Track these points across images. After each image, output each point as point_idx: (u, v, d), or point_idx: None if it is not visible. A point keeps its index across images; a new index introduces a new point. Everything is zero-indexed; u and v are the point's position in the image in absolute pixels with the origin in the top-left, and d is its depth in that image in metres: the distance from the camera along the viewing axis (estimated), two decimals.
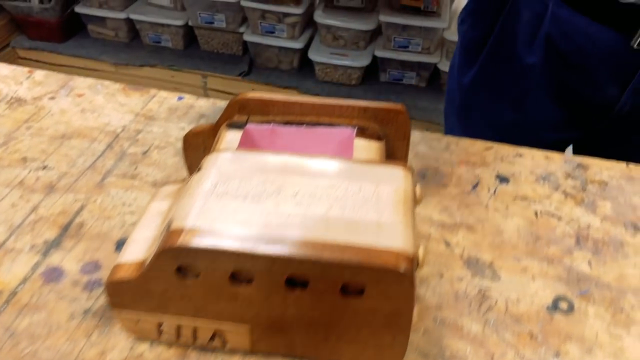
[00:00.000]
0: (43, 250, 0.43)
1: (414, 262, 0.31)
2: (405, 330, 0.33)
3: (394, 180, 0.35)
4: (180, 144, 0.52)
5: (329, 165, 0.36)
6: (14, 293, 0.40)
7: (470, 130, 0.76)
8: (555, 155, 0.53)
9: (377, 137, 0.42)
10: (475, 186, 0.50)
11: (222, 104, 0.59)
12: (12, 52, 1.68)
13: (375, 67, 1.57)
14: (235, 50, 1.62)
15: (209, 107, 0.58)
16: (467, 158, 0.53)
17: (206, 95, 1.64)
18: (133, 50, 1.64)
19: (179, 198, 0.35)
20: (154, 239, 0.34)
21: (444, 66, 1.47)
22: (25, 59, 1.69)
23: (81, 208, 0.46)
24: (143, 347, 0.37)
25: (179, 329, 0.36)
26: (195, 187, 0.34)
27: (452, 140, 0.55)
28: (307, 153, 0.44)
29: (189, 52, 1.62)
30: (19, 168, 0.50)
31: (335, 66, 1.53)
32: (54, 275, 0.41)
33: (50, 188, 0.48)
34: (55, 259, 0.42)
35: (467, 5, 0.72)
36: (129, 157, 0.52)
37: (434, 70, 1.54)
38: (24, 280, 0.41)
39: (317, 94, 1.55)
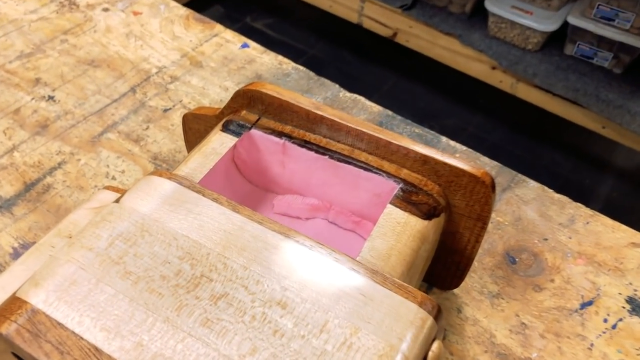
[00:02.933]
0: None
1: None
2: None
3: (390, 328, 0.20)
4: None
5: (303, 258, 0.21)
6: None
7: None
8: None
9: (429, 212, 0.25)
10: (586, 304, 0.32)
11: (287, 67, 0.45)
12: None
13: (562, 35, 1.28)
14: None
15: (272, 67, 0.45)
16: (594, 251, 0.34)
17: (360, 22, 1.48)
18: None
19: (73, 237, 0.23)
20: None
21: None
22: None
23: (58, 165, 0.37)
24: None
25: None
26: (89, 234, 0.22)
27: (582, 214, 0.36)
28: (327, 193, 0.29)
29: None
30: (24, 92, 0.42)
31: (513, 23, 1.27)
32: None
33: (42, 128, 0.39)
34: None
35: None
36: (146, 111, 0.41)
37: (639, 57, 1.22)
38: None
39: (481, 51, 1.31)
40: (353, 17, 1.47)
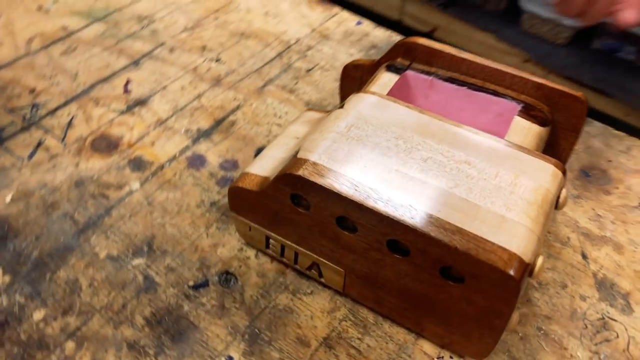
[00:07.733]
0: (194, 137, 0.47)
1: (526, 270, 0.28)
2: (497, 331, 0.31)
3: (538, 177, 0.31)
4: None
5: (473, 138, 0.33)
6: (161, 167, 0.44)
7: None
8: None
9: (542, 122, 0.37)
10: None
11: (396, 39, 0.57)
12: None
13: (591, 31, 1.39)
14: None
15: (384, 39, 0.57)
16: None
17: (400, 18, 1.60)
18: None
19: (314, 129, 0.35)
20: (282, 160, 0.35)
21: None
22: None
23: (237, 107, 0.49)
24: (249, 253, 0.39)
25: (283, 248, 0.38)
26: (331, 124, 0.34)
27: (637, 144, 0.47)
28: (458, 117, 0.41)
29: None
30: (196, 55, 0.54)
31: (545, 19, 1.39)
32: (197, 162, 0.45)
33: (217, 81, 0.52)
34: (202, 147, 0.46)
35: None
36: (293, 71, 0.53)
37: None
38: (172, 158, 0.45)
39: (514, 45, 1.42)
40: (393, 14, 1.59)
